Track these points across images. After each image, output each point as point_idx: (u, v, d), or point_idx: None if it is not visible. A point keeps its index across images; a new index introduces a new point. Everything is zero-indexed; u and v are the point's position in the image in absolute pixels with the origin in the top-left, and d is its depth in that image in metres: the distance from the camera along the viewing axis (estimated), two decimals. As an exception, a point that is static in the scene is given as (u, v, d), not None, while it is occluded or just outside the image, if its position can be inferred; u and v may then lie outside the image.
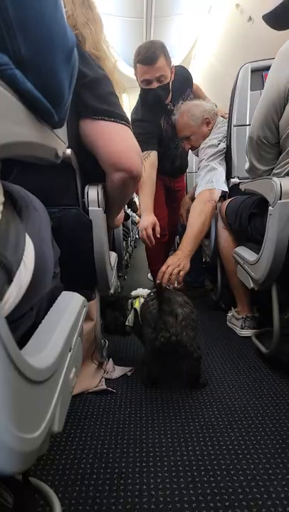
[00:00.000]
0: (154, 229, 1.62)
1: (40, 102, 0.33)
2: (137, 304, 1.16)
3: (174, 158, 2.04)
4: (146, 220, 1.63)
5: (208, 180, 1.54)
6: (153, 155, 1.75)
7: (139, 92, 1.77)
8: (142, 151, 1.42)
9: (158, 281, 1.26)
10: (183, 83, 1.83)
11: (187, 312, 1.00)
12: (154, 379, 1.09)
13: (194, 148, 1.76)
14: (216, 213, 1.60)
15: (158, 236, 1.64)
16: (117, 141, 0.83)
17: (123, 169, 0.85)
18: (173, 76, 1.67)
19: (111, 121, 0.81)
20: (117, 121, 0.82)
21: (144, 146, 1.67)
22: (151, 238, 1.61)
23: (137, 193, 1.86)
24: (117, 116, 0.82)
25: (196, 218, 1.47)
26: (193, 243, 1.43)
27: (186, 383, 1.08)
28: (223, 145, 1.63)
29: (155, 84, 1.63)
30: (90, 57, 0.82)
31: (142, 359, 1.25)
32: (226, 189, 1.56)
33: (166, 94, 1.70)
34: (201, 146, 1.68)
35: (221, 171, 1.57)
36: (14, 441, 0.24)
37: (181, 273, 1.33)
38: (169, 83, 1.65)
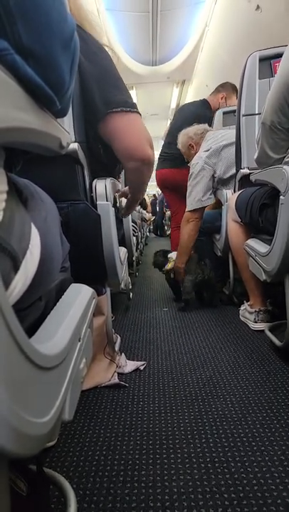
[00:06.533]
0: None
1: (42, 88, 0.33)
2: (170, 265, 1.94)
3: None
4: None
5: (187, 204, 1.89)
6: None
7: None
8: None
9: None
10: None
11: (205, 270, 1.84)
12: (187, 305, 1.86)
13: None
14: (226, 206, 1.66)
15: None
16: (133, 134, 0.87)
17: (136, 160, 0.90)
18: None
19: (127, 111, 0.84)
20: (131, 111, 0.85)
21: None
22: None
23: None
24: (131, 105, 0.85)
25: (181, 238, 1.91)
26: (180, 257, 1.90)
27: (207, 305, 1.88)
28: (203, 160, 1.84)
29: None
30: (90, 39, 0.83)
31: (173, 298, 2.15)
32: (200, 205, 1.84)
33: None
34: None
35: (197, 190, 1.84)
36: (21, 424, 0.24)
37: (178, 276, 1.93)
38: None
